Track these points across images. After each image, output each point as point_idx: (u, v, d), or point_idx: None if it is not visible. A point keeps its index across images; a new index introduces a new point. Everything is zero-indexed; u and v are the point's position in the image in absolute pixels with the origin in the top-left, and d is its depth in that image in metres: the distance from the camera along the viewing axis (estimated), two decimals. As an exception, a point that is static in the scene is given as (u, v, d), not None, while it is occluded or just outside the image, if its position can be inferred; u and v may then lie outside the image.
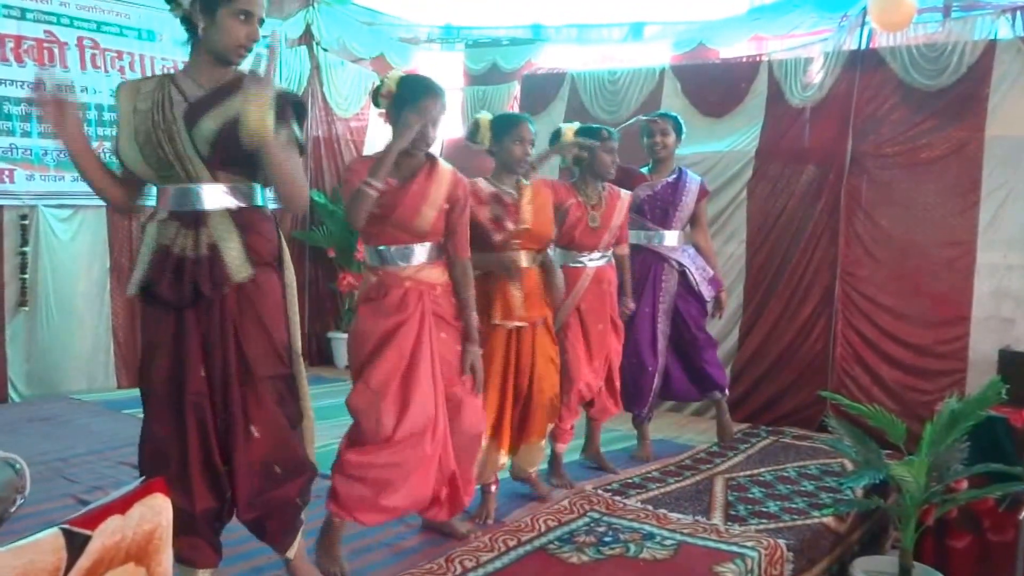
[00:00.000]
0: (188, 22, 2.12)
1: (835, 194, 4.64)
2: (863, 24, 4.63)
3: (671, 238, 3.93)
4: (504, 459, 3.09)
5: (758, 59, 5.10)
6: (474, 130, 3.05)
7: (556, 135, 3.44)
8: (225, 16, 2.07)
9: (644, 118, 3.98)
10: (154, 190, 2.19)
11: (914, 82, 4.43)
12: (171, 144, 2.07)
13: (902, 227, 4.47)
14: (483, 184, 3.01)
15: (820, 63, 4.73)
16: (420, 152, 2.55)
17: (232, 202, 2.14)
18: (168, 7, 2.11)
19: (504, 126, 3.01)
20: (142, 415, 2.21)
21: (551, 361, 3.15)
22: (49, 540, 1.06)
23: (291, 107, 2.18)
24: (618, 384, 3.61)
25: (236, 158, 2.08)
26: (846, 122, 4.62)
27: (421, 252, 2.57)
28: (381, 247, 2.55)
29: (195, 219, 2.10)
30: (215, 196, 2.12)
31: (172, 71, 2.29)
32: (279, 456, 2.22)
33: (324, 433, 2.60)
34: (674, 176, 3.93)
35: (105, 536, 1.12)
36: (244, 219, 2.14)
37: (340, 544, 2.57)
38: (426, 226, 2.53)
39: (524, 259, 3.03)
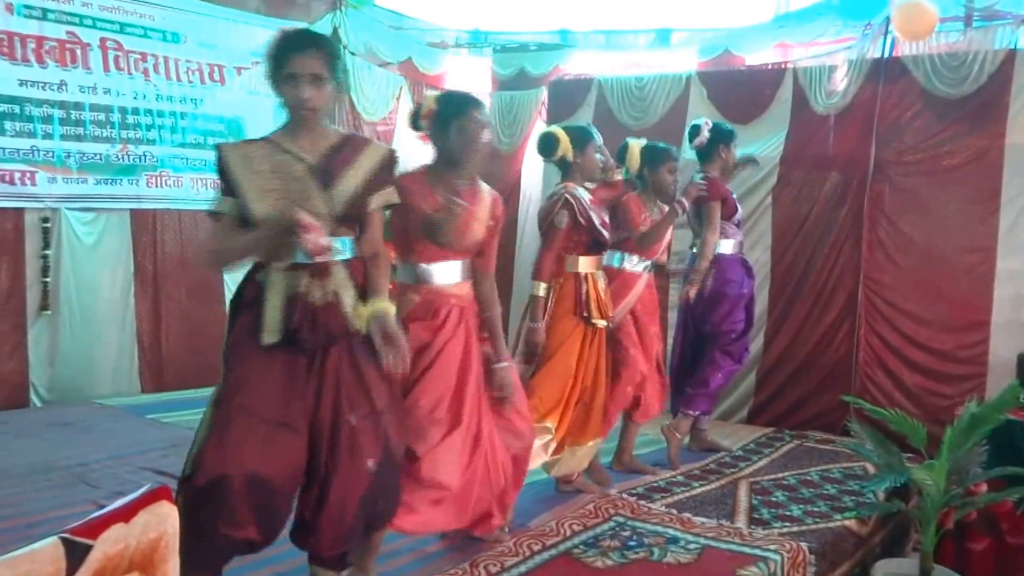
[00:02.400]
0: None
1: (859, 201, 4.70)
2: (886, 32, 4.68)
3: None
4: (552, 451, 3.20)
5: (783, 66, 5.16)
6: (552, 144, 3.21)
7: (623, 150, 3.62)
8: (282, 83, 2.18)
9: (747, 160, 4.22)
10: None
11: (936, 90, 4.49)
12: (305, 203, 2.15)
13: (924, 234, 4.53)
14: (582, 193, 3.23)
15: (844, 71, 4.79)
16: (468, 171, 2.59)
17: (347, 254, 2.25)
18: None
19: (583, 137, 3.25)
20: (206, 435, 2.17)
21: (607, 362, 3.34)
22: (48, 550, 1.01)
23: (395, 165, 2.33)
24: (666, 384, 3.80)
25: (356, 216, 2.25)
26: (869, 129, 4.68)
27: (462, 269, 2.63)
28: (424, 264, 2.58)
29: (322, 270, 2.18)
30: (336, 249, 2.22)
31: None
32: (385, 485, 2.29)
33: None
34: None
35: (107, 545, 1.07)
36: (352, 268, 2.26)
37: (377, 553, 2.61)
38: (474, 244, 2.60)
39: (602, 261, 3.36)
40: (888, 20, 4.59)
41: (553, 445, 3.20)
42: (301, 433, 2.18)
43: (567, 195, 3.18)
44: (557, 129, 3.25)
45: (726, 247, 4.01)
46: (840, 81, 4.79)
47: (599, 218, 3.23)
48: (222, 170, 2.21)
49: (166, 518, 1.19)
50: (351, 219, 2.25)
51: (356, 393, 2.23)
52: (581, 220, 3.18)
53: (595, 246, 3.27)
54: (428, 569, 2.68)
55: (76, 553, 1.04)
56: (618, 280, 3.54)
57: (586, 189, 3.28)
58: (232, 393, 2.17)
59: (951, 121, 4.47)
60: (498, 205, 2.70)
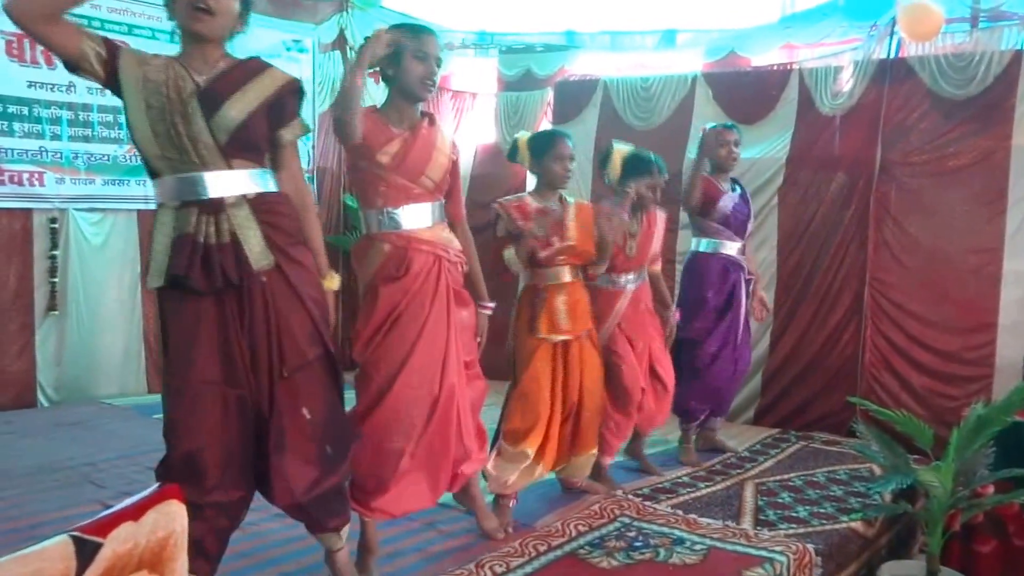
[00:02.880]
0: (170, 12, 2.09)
1: (864, 201, 4.70)
2: (892, 33, 4.69)
3: (741, 248, 4.05)
4: (540, 472, 3.14)
5: (789, 67, 5.17)
6: (513, 151, 3.16)
7: (606, 157, 3.51)
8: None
9: (718, 126, 4.02)
10: (166, 178, 2.09)
11: (942, 91, 4.49)
12: (188, 127, 2.03)
13: (930, 234, 4.53)
14: (530, 200, 3.10)
15: (850, 72, 4.79)
16: (420, 102, 2.56)
17: (250, 189, 2.12)
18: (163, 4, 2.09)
19: (542, 145, 3.10)
20: (164, 417, 2.14)
21: (598, 374, 3.23)
22: (58, 548, 1.02)
23: (299, 95, 2.19)
24: (670, 394, 3.71)
25: (249, 147, 2.11)
26: (875, 130, 4.68)
27: (433, 211, 2.56)
28: (391, 208, 2.49)
29: (214, 206, 2.06)
30: (231, 183, 2.09)
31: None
32: (332, 435, 2.24)
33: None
34: (738, 188, 4.09)
35: (117, 543, 1.08)
36: (263, 205, 2.13)
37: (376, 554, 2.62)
38: (438, 175, 2.54)
39: (568, 274, 3.12)
40: (894, 21, 4.58)
41: (539, 469, 3.11)
42: (246, 389, 2.11)
43: (496, 206, 3.08)
44: (521, 136, 3.15)
45: (702, 246, 3.99)
46: (846, 82, 4.79)
47: (538, 229, 3.03)
48: (111, 68, 2.03)
49: (175, 517, 1.20)
50: (245, 150, 2.10)
51: (294, 343, 2.15)
52: (512, 231, 3.04)
53: (532, 259, 3.05)
54: (433, 569, 2.68)
55: (86, 551, 1.04)
56: (601, 299, 3.46)
57: (560, 199, 3.13)
58: (178, 361, 2.09)
59: (957, 122, 4.47)
60: (455, 145, 2.68)
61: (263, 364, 2.12)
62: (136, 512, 1.14)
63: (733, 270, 4.00)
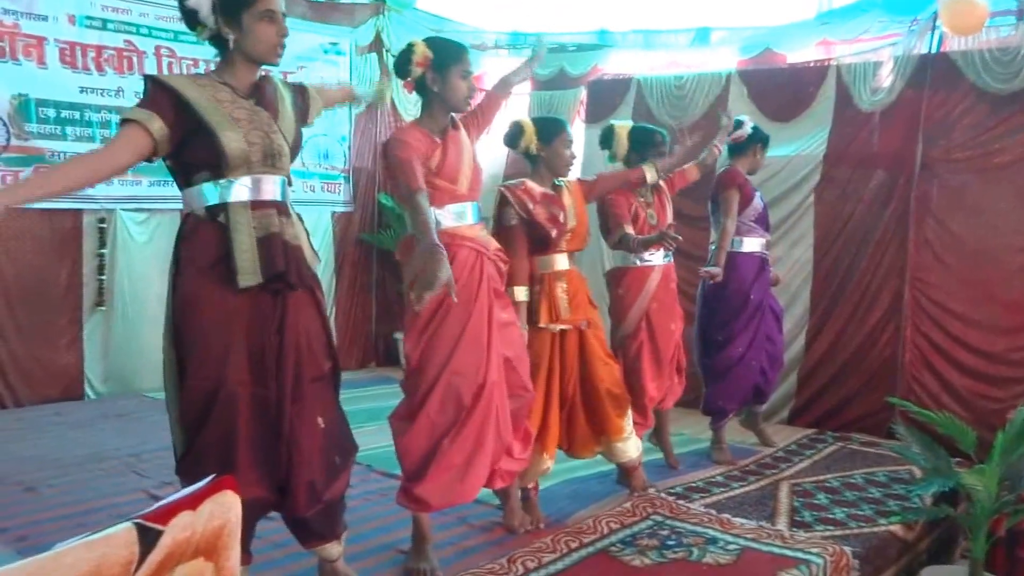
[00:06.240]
0: (216, 39, 2.15)
1: (904, 199, 4.61)
2: (934, 28, 4.59)
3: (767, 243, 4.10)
4: (548, 463, 3.10)
5: (826, 63, 5.07)
6: (517, 135, 3.07)
7: (608, 133, 3.54)
8: (252, 21, 2.10)
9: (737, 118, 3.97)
10: (242, 178, 2.13)
11: (986, 86, 4.38)
12: (273, 134, 2.16)
13: (973, 233, 4.43)
14: (532, 184, 3.06)
15: (890, 67, 4.70)
16: (457, 113, 2.67)
17: (289, 194, 2.24)
18: (195, 33, 2.13)
19: (552, 129, 3.09)
20: (184, 415, 2.14)
21: (603, 360, 3.15)
22: (122, 534, 1.05)
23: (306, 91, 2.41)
24: (684, 369, 3.72)
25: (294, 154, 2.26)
26: (916, 127, 4.59)
27: (474, 211, 2.65)
28: (436, 207, 2.52)
29: (285, 209, 2.16)
30: (287, 188, 2.23)
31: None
32: (338, 444, 2.29)
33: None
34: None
35: (176, 531, 1.12)
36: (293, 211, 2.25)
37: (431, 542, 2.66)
38: (470, 173, 2.63)
39: (565, 261, 3.09)
40: (936, 15, 4.49)
41: (545, 458, 3.06)
42: (271, 391, 2.15)
43: (500, 190, 3.05)
44: (525, 119, 3.12)
45: (743, 245, 3.95)
46: (885, 78, 4.70)
47: (546, 213, 3.01)
48: (170, 97, 2.05)
49: (230, 507, 1.23)
50: (291, 158, 2.25)
51: (312, 354, 2.20)
52: (523, 215, 3.00)
53: (540, 244, 3.03)
54: (467, 563, 2.70)
55: (148, 538, 1.09)
56: (629, 277, 3.43)
57: (556, 183, 3.11)
58: (209, 360, 2.07)
59: (1002, 117, 4.35)
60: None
61: (288, 368, 2.15)
62: (194, 502, 1.18)
63: (766, 266, 4.04)
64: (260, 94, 2.21)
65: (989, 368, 4.34)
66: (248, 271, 2.07)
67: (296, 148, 2.28)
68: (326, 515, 2.29)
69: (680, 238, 3.13)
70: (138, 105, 2.08)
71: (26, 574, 0.93)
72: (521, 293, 2.96)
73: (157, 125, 2.04)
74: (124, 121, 2.07)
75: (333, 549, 2.38)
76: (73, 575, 0.98)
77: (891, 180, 4.66)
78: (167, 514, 1.12)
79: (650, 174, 3.34)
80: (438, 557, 2.67)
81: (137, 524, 1.07)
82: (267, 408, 2.15)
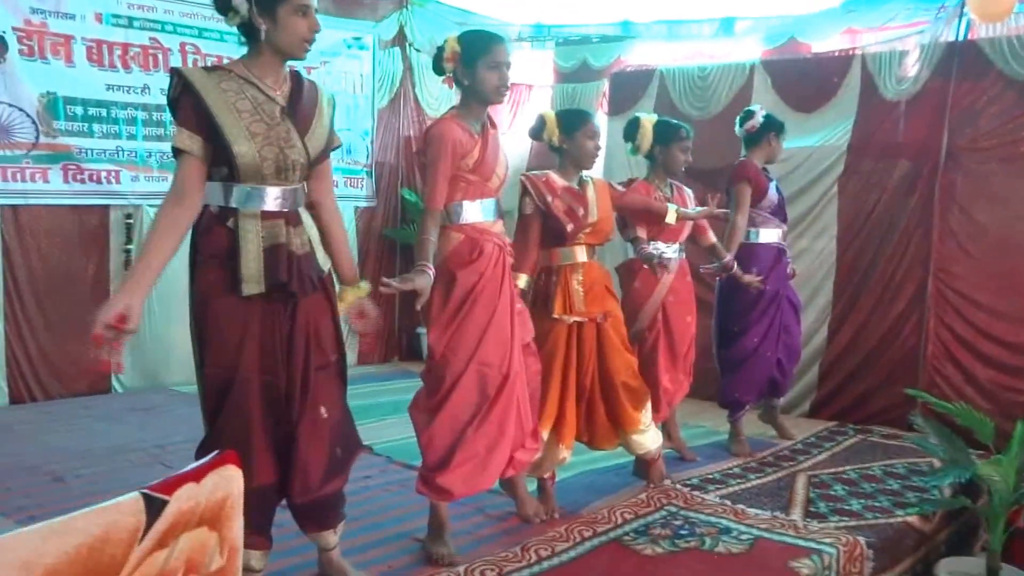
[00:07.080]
0: (246, 27, 2.16)
1: (929, 189, 4.55)
2: (961, 15, 4.51)
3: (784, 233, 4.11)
4: (565, 454, 3.10)
5: (851, 52, 5.01)
6: (540, 127, 3.10)
7: (634, 125, 3.56)
8: (286, 15, 2.12)
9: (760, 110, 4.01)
10: (252, 187, 2.17)
11: (1015, 74, 4.30)
12: (290, 150, 2.18)
13: (1000, 222, 4.35)
14: (555, 177, 3.07)
15: (916, 56, 4.63)
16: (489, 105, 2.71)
17: (304, 202, 2.31)
18: (224, 18, 2.13)
19: (576, 121, 3.09)
20: (204, 403, 2.26)
21: (620, 353, 3.15)
22: (130, 503, 1.10)
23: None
24: (692, 360, 3.73)
25: (315, 165, 2.29)
26: (942, 116, 4.52)
27: (495, 208, 2.73)
28: (468, 202, 2.63)
29: (296, 219, 2.22)
30: (302, 197, 2.29)
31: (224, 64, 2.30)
32: (341, 438, 2.33)
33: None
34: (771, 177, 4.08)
35: (181, 501, 1.16)
36: (305, 217, 2.31)
37: (449, 528, 2.71)
38: (503, 172, 2.72)
39: (584, 253, 3.09)
40: (963, 2, 4.42)
41: (562, 449, 3.06)
42: (280, 379, 2.21)
43: (522, 179, 3.06)
44: (548, 111, 3.15)
45: (759, 236, 3.95)
46: (912, 67, 4.63)
47: (564, 206, 3.01)
48: (193, 101, 2.09)
49: (232, 480, 1.27)
50: (311, 168, 2.27)
51: (319, 344, 2.26)
52: (540, 207, 3.02)
53: (556, 236, 3.04)
54: (481, 551, 2.73)
55: (154, 507, 1.13)
56: (645, 271, 3.44)
57: (566, 177, 3.09)
58: (227, 356, 2.16)
59: (1030, 105, 4.28)
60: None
61: (298, 358, 2.22)
62: (197, 475, 1.23)
63: (783, 256, 4.03)
64: (296, 99, 2.22)
65: (1014, 360, 4.27)
66: (252, 279, 2.15)
67: (321, 159, 2.30)
68: (321, 505, 2.33)
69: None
70: (176, 123, 2.15)
71: (40, 536, 0.98)
72: (522, 281, 3.00)
73: (199, 145, 2.12)
74: (176, 152, 2.14)
75: (329, 538, 2.42)
76: (83, 539, 1.02)
77: (915, 170, 4.60)
78: (172, 485, 1.17)
79: (671, 215, 3.39)
80: (455, 545, 2.71)
81: (144, 494, 1.13)
82: (278, 398, 2.22)
